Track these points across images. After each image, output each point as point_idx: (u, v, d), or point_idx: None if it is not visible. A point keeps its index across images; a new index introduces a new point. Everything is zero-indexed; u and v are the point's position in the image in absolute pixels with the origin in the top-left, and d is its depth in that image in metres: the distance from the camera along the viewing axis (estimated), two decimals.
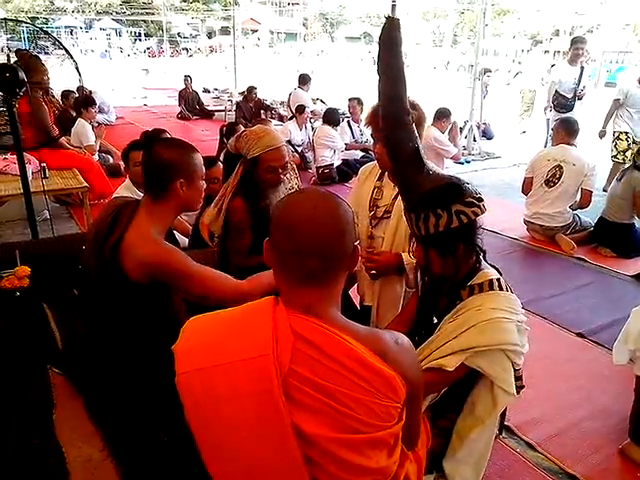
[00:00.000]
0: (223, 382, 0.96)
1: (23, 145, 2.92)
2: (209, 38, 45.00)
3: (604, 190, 5.57)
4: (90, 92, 7.60)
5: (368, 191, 2.23)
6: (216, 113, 11.91)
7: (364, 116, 4.48)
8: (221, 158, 2.95)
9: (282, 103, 10.21)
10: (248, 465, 0.98)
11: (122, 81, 18.34)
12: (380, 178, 2.21)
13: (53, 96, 4.76)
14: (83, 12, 39.28)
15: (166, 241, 1.70)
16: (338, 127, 6.74)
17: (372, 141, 2.34)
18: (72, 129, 5.58)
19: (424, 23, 43.43)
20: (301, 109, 7.25)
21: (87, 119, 6.00)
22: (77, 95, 6.23)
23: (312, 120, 7.99)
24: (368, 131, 5.86)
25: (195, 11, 42.20)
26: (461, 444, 1.56)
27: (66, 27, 38.05)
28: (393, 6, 6.99)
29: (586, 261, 4.24)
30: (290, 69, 21.11)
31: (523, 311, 1.55)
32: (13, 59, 2.99)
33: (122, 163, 4.19)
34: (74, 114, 5.65)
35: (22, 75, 2.64)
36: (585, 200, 4.44)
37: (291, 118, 7.58)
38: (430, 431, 1.44)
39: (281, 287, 1.03)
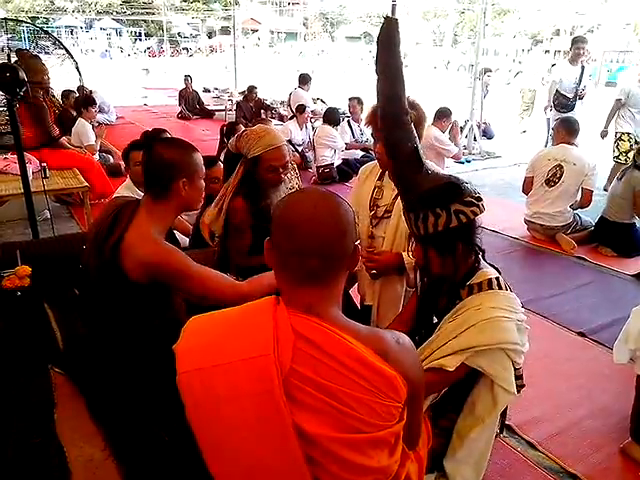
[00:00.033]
0: (223, 382, 0.97)
1: (23, 145, 2.92)
2: (209, 38, 45.00)
3: (605, 189, 5.57)
4: (90, 92, 7.61)
5: (368, 191, 2.23)
6: (216, 113, 11.91)
7: (364, 115, 4.48)
8: (221, 158, 2.95)
9: (282, 103, 10.22)
10: (249, 465, 0.98)
11: (122, 81, 18.35)
12: (380, 178, 2.21)
13: (53, 96, 4.75)
14: (83, 12, 39.28)
15: (166, 241, 1.70)
16: (338, 127, 6.74)
17: (372, 140, 2.34)
18: (72, 129, 5.58)
19: (424, 23, 43.42)
20: (301, 109, 7.25)
21: (87, 119, 6.01)
22: (77, 95, 6.23)
23: (312, 120, 8.00)
24: (368, 131, 5.85)
25: (195, 11, 42.21)
26: (461, 444, 1.56)
27: (66, 27, 38.07)
28: (393, 6, 6.98)
29: (587, 260, 4.24)
30: (290, 69, 21.11)
31: (523, 310, 1.55)
32: (14, 59, 2.98)
33: (122, 163, 4.20)
34: (74, 114, 5.65)
35: (23, 75, 2.64)
36: (586, 200, 4.43)
37: (291, 118, 7.58)
38: (431, 431, 1.44)
39: (282, 287, 1.04)
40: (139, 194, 2.84)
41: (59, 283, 2.03)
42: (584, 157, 4.41)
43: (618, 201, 4.32)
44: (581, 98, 6.36)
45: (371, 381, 0.95)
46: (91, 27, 40.44)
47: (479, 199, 1.47)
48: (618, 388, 2.58)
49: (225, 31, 38.80)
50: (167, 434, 1.45)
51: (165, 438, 1.44)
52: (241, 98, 10.59)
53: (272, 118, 9.06)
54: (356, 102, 7.10)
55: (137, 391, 1.57)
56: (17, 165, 3.02)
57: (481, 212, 1.47)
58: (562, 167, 4.39)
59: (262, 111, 10.01)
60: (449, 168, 6.61)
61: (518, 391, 1.54)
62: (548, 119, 7.08)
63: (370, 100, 1.56)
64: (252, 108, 9.94)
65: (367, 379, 0.95)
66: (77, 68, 3.19)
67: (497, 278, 1.55)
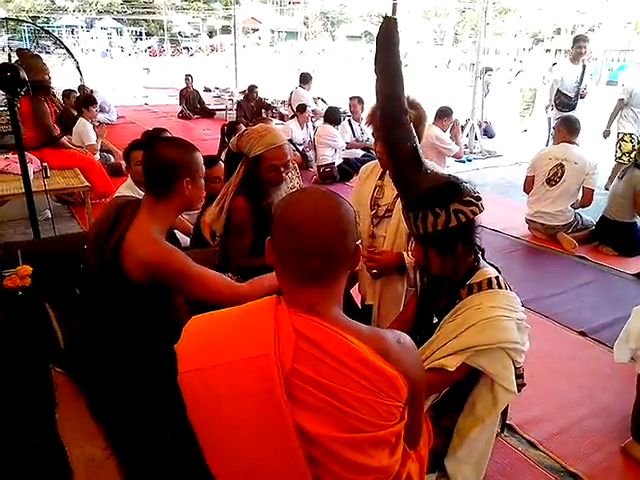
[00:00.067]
0: (224, 382, 0.97)
1: (25, 145, 2.92)
2: (210, 37, 44.98)
3: (606, 188, 5.55)
4: (91, 91, 7.62)
5: (369, 190, 2.23)
6: (217, 112, 11.90)
7: (365, 115, 4.47)
8: (222, 157, 2.95)
9: (283, 102, 10.22)
10: (250, 465, 0.98)
11: (123, 80, 18.35)
12: (381, 177, 2.21)
13: (54, 95, 4.75)
14: (84, 11, 39.26)
15: (167, 240, 1.70)
16: (339, 126, 6.73)
17: (373, 140, 2.34)
18: (73, 128, 5.58)
19: (425, 22, 43.39)
20: (302, 108, 7.25)
21: (88, 118, 6.01)
22: (78, 94, 6.24)
23: (313, 119, 7.99)
24: (369, 130, 5.86)
25: (196, 10, 42.17)
26: (461, 443, 1.56)
27: (67, 26, 38.05)
28: (394, 5, 6.96)
29: (588, 260, 4.24)
30: (291, 68, 21.10)
31: (523, 309, 1.55)
32: (14, 58, 2.99)
33: (123, 162, 4.20)
34: (75, 113, 5.65)
35: (23, 74, 2.64)
36: (587, 199, 4.43)
37: (292, 117, 7.58)
38: (432, 430, 1.44)
39: (283, 286, 1.04)
40: (140, 194, 2.84)
41: (60, 283, 2.03)
42: (585, 156, 4.40)
43: (619, 200, 4.32)
44: (582, 97, 6.34)
45: (372, 381, 0.95)
46: (92, 26, 40.43)
47: (478, 198, 1.47)
48: (619, 387, 2.58)
49: (226, 30, 38.77)
50: (168, 434, 1.45)
51: (166, 438, 1.45)
52: (242, 97, 10.59)
53: (273, 117, 9.05)
54: (357, 101, 7.09)
55: (138, 391, 1.57)
56: (18, 165, 3.02)
57: (480, 212, 1.47)
58: (563, 166, 4.38)
59: (263, 110, 10.01)
60: (450, 167, 6.61)
61: (519, 390, 1.54)
62: (549, 118, 7.06)
63: (371, 99, 1.56)
64: (253, 107, 9.94)
65: (368, 379, 0.95)
66: (78, 68, 3.20)
67: (497, 277, 1.55)
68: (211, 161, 3.00)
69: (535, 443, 2.24)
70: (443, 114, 5.62)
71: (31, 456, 1.32)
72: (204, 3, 42.83)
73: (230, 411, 0.97)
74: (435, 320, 1.65)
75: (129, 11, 40.45)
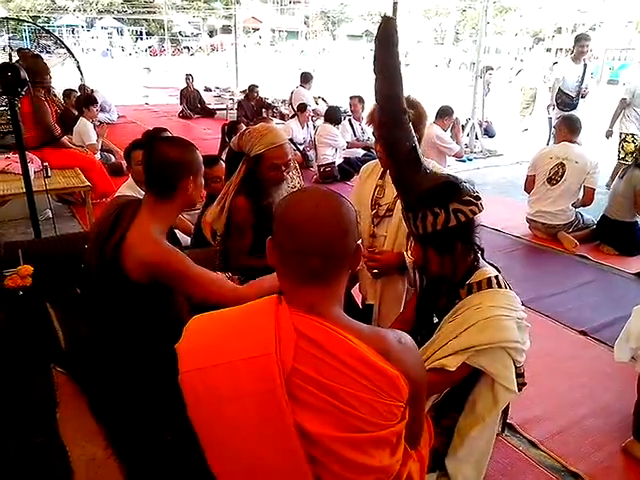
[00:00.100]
0: (225, 381, 0.97)
1: (25, 144, 2.93)
2: (210, 37, 44.98)
3: (607, 187, 5.53)
4: (92, 91, 7.62)
5: (370, 189, 2.23)
6: (218, 112, 11.90)
7: (365, 114, 4.46)
8: (223, 157, 2.95)
9: (284, 101, 10.22)
10: (251, 464, 0.98)
11: (124, 80, 18.35)
12: (382, 176, 2.21)
13: (55, 95, 4.76)
14: (84, 11, 39.27)
15: (167, 240, 1.70)
16: (339, 125, 6.73)
17: (373, 139, 2.34)
18: (74, 128, 5.58)
19: (426, 21, 43.36)
20: (303, 107, 7.25)
21: (89, 118, 6.02)
22: (79, 94, 6.23)
23: (314, 118, 7.99)
24: (369, 129, 5.85)
25: (197, 10, 42.14)
26: (462, 443, 1.56)
27: (68, 26, 38.04)
28: (395, 4, 6.96)
29: (588, 259, 4.24)
30: (292, 67, 21.11)
31: (522, 308, 1.55)
32: (15, 58, 2.99)
33: (124, 162, 4.20)
34: (76, 113, 5.65)
35: (24, 74, 2.64)
36: (588, 198, 4.42)
37: (293, 116, 7.58)
38: (433, 430, 1.44)
39: (284, 286, 1.04)
40: (141, 193, 2.84)
41: (61, 282, 2.03)
42: (586, 155, 4.40)
43: (619, 200, 4.31)
44: (584, 97, 6.33)
45: (373, 380, 0.95)
46: (92, 26, 40.43)
47: (478, 198, 1.47)
48: (620, 387, 2.58)
49: (226, 30, 38.75)
50: (169, 433, 1.45)
51: (167, 437, 1.45)
52: (242, 97, 10.60)
53: (273, 117, 9.05)
54: (357, 100, 7.09)
55: (139, 390, 1.57)
56: (19, 164, 3.02)
57: (480, 211, 1.47)
58: (564, 165, 4.38)
59: (263, 110, 10.00)
60: (451, 166, 6.60)
61: (520, 389, 1.54)
62: (550, 118, 7.05)
63: (371, 99, 1.56)
64: (253, 107, 9.94)
65: (369, 378, 0.95)
66: (78, 67, 3.19)
67: (496, 277, 1.55)
68: (212, 161, 3.00)
69: (536, 442, 2.24)
70: (444, 113, 5.62)
71: (32, 456, 1.32)
72: (204, 2, 42.81)
73: (231, 411, 0.97)
74: (435, 320, 1.64)
75: (129, 11, 40.45)
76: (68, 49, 3.31)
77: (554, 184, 4.43)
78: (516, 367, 1.51)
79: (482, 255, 1.57)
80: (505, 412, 1.70)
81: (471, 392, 1.57)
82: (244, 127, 3.24)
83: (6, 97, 2.67)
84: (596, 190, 4.43)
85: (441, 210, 1.42)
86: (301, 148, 7.17)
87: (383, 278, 2.22)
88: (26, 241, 2.46)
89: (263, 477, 0.99)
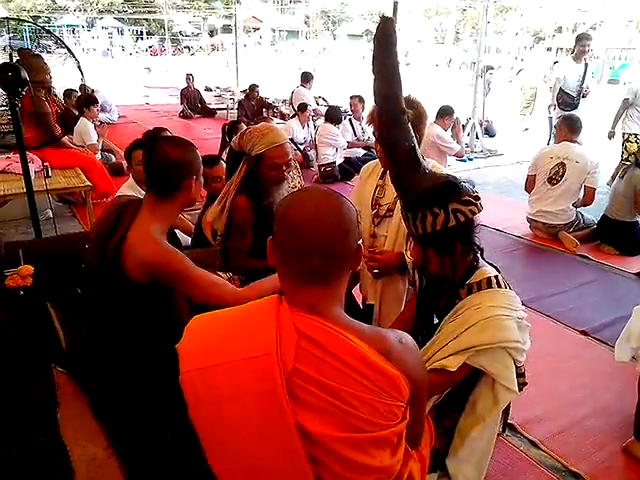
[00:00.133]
0: (226, 381, 0.97)
1: (26, 144, 2.93)
2: (211, 36, 45.00)
3: (608, 185, 5.51)
4: (92, 91, 7.61)
5: (370, 189, 2.23)
6: (218, 111, 11.91)
7: (366, 114, 4.45)
8: (224, 157, 2.95)
9: (284, 101, 10.22)
10: (251, 464, 0.98)
11: (124, 80, 18.35)
12: (382, 176, 2.21)
13: (55, 95, 4.75)
14: (85, 11, 39.27)
15: (167, 240, 1.70)
16: (340, 125, 6.73)
17: (374, 139, 2.34)
18: (75, 128, 5.58)
19: (426, 20, 43.34)
20: (303, 107, 7.25)
21: (89, 118, 6.02)
22: (79, 94, 6.23)
23: (314, 118, 7.99)
24: (370, 129, 5.85)
25: (197, 9, 42.12)
26: (462, 443, 1.56)
27: (68, 26, 38.04)
28: (395, 3, 6.94)
29: (589, 259, 4.23)
30: (292, 67, 21.11)
31: (523, 307, 1.55)
32: (15, 58, 2.99)
33: (125, 162, 4.20)
34: (76, 113, 5.65)
35: (24, 74, 2.64)
36: (588, 198, 4.42)
37: (293, 116, 7.58)
38: (433, 430, 1.44)
39: (285, 286, 1.04)
40: (142, 193, 2.84)
41: (62, 282, 2.04)
42: (587, 155, 4.39)
43: (620, 199, 4.31)
44: (585, 96, 6.31)
45: (374, 380, 0.95)
46: (93, 26, 40.44)
47: (477, 198, 1.47)
48: (621, 387, 2.57)
49: (227, 29, 38.78)
50: (169, 433, 1.45)
51: (168, 437, 1.45)
52: (243, 97, 10.59)
53: (274, 116, 9.05)
54: (357, 100, 7.08)
55: (140, 390, 1.57)
56: (19, 164, 3.02)
57: (479, 211, 1.46)
58: (565, 165, 4.38)
59: (264, 110, 9.99)
60: (451, 166, 6.60)
61: (520, 389, 1.54)
62: (550, 117, 7.04)
63: (372, 98, 1.55)
64: (254, 107, 9.94)
65: (370, 378, 0.95)
66: (79, 67, 3.20)
67: (496, 276, 1.55)
68: (212, 160, 3.00)
69: (537, 442, 2.23)
70: (444, 113, 5.61)
71: (33, 456, 1.32)
72: (205, 2, 42.79)
73: (232, 411, 0.96)
74: (436, 320, 1.64)
75: (130, 10, 40.45)
76: (69, 49, 3.31)
77: (555, 184, 4.43)
78: (517, 367, 1.51)
79: (482, 255, 1.57)
80: (506, 412, 1.70)
81: (472, 392, 1.56)
82: (245, 127, 3.24)
83: (7, 97, 2.67)
84: (597, 190, 4.43)
85: (440, 210, 1.42)
86: (302, 148, 7.17)
87: (384, 278, 2.22)
88: (27, 241, 2.46)
89: (264, 477, 0.99)
